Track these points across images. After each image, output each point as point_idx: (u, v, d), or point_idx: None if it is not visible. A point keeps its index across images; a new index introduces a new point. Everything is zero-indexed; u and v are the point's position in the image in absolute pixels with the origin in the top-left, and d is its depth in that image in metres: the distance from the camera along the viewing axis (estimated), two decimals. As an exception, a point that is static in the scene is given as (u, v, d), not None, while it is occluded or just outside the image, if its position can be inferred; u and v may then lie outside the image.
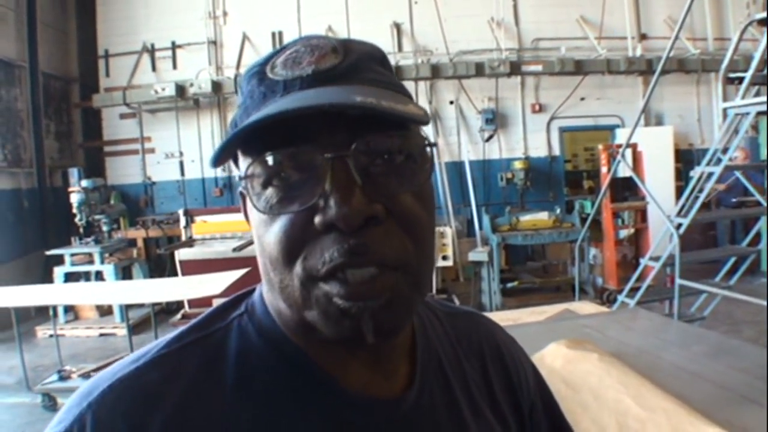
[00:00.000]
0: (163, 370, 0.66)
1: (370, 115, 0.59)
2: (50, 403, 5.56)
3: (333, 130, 0.61)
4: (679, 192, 9.20)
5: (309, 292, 0.62)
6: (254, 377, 0.68)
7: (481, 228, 9.05)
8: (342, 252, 0.60)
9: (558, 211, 8.33)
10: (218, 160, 0.65)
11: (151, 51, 10.50)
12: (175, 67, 10.50)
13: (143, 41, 10.50)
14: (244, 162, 0.65)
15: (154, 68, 10.54)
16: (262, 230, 0.65)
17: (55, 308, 6.78)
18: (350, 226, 0.59)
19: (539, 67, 9.98)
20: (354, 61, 0.67)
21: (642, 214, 8.08)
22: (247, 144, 0.64)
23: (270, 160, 0.62)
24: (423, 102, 10.35)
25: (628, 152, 7.08)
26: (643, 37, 10.48)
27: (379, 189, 0.62)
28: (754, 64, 4.58)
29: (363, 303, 0.61)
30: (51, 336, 7.41)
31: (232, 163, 0.70)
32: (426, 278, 0.67)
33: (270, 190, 0.63)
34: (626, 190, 7.94)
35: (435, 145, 0.70)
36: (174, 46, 10.51)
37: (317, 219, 0.60)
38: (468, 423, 0.78)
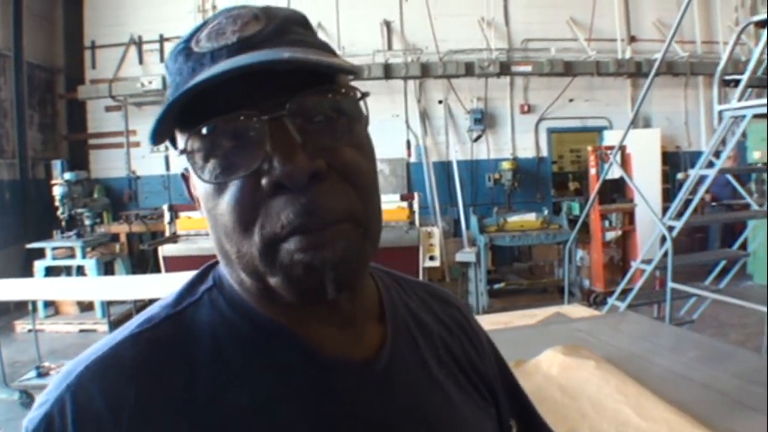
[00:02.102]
0: (138, 347, 0.67)
1: (301, 69, 0.61)
2: (28, 400, 5.44)
3: (266, 93, 0.62)
4: (666, 194, 9.25)
5: (271, 257, 0.63)
6: (228, 348, 0.69)
7: (468, 228, 9.04)
8: (296, 212, 0.61)
9: (546, 212, 8.33)
10: (156, 136, 0.65)
11: (139, 43, 10.39)
12: (162, 60, 10.38)
13: (131, 33, 10.39)
14: (181, 138, 0.66)
15: (141, 61, 10.43)
16: (211, 203, 0.66)
17: (34, 303, 6.67)
18: (296, 183, 0.60)
19: (528, 68, 9.98)
20: (277, 26, 0.68)
21: (630, 217, 8.09)
22: (183, 119, 0.63)
23: (206, 130, 0.62)
24: (412, 101, 10.32)
25: (619, 154, 7.09)
26: (632, 39, 10.50)
27: (319, 145, 0.63)
28: (750, 66, 4.56)
29: (322, 254, 0.62)
30: (30, 331, 7.30)
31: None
32: (375, 228, 0.69)
33: (212, 161, 0.63)
34: (614, 192, 7.95)
35: (367, 95, 0.70)
36: (162, 39, 10.38)
37: (264, 181, 0.61)
38: (439, 380, 0.80)
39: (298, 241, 0.62)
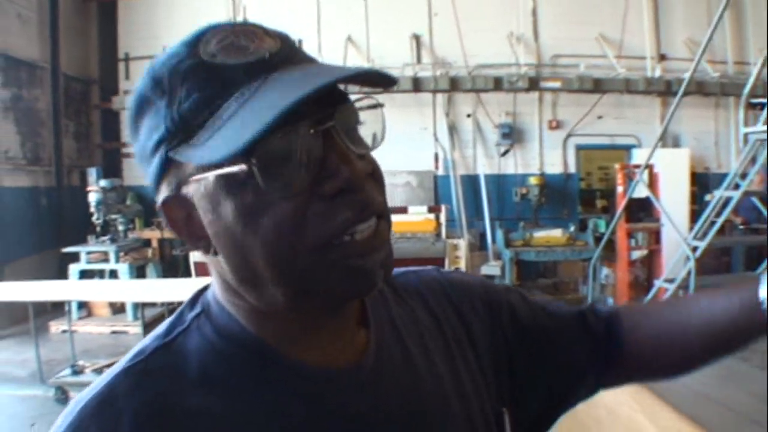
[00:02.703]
0: (130, 380, 0.69)
1: (341, 86, 0.67)
2: (62, 396, 5.62)
3: (315, 106, 0.64)
4: (694, 216, 9.18)
5: (323, 259, 0.65)
6: (216, 372, 0.71)
7: (494, 242, 9.06)
8: (356, 209, 0.65)
9: (572, 228, 8.34)
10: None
11: (172, 55, 10.57)
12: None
13: (163, 45, 10.52)
14: (231, 156, 0.61)
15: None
16: (250, 223, 0.65)
17: (69, 304, 6.85)
18: (357, 185, 0.65)
19: (557, 84, 9.99)
20: (290, 44, 0.70)
21: (656, 236, 8.06)
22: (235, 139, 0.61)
23: (269, 147, 0.62)
24: (440, 114, 10.39)
25: (646, 173, 7.10)
26: (662, 57, 10.46)
27: (360, 150, 0.68)
28: (775, 90, 4.59)
29: (374, 256, 0.67)
30: (64, 331, 7.48)
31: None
32: (391, 218, 0.74)
33: (272, 175, 0.63)
34: (641, 210, 7.94)
35: (382, 105, 0.73)
36: (195, 51, 10.58)
37: (327, 187, 0.64)
38: (429, 372, 0.82)
39: (351, 246, 0.66)
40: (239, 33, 0.68)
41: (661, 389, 2.31)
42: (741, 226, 8.45)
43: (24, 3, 9.37)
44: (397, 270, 0.93)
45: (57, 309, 8.14)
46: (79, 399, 0.70)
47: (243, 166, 0.63)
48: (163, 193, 0.70)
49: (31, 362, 6.47)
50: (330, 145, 0.65)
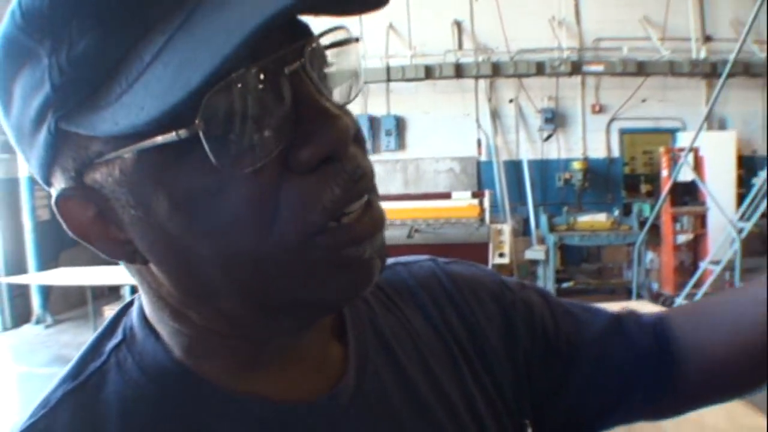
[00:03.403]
0: None
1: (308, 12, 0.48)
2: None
3: (276, 41, 0.45)
4: (741, 200, 9.06)
5: (306, 258, 0.47)
6: (142, 424, 0.52)
7: (537, 227, 9.06)
8: (345, 183, 0.47)
9: (616, 213, 8.30)
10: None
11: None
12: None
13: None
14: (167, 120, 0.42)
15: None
16: (199, 212, 0.46)
17: (124, 288, 7.12)
18: (343, 151, 0.46)
19: (600, 68, 9.87)
20: None
21: (702, 220, 7.98)
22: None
23: (224, 93, 0.42)
24: (482, 100, 10.39)
25: (690, 156, 7.04)
26: (707, 39, 10.29)
27: (340, 102, 0.50)
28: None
29: (371, 242, 0.49)
30: (117, 315, 7.77)
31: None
32: None
33: (224, 141, 0.43)
34: (686, 194, 7.87)
35: (359, 39, 0.52)
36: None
37: (304, 156, 0.45)
38: (422, 394, 0.63)
39: (341, 233, 0.48)
40: None
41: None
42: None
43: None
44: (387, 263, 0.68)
45: (111, 294, 8.40)
46: None
47: (183, 131, 0.42)
48: (58, 184, 0.49)
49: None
50: (302, 97, 0.46)
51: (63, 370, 0.57)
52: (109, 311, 7.46)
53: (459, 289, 0.72)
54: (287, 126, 0.45)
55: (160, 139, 0.42)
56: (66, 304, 8.52)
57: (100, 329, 0.59)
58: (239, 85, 0.42)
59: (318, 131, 0.45)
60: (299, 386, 0.57)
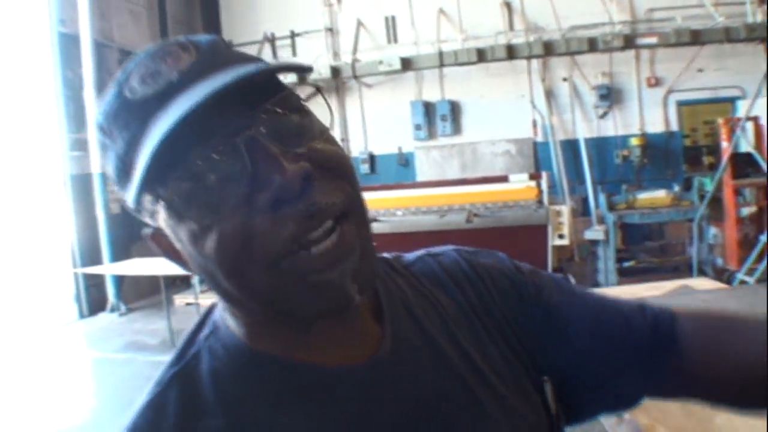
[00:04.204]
0: (149, 417, 0.69)
1: (250, 86, 0.59)
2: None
3: (228, 117, 0.60)
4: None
5: (279, 279, 0.62)
6: (231, 391, 0.69)
7: (597, 206, 9.02)
8: (297, 220, 0.60)
9: (676, 188, 8.21)
10: (138, 199, 0.63)
11: (272, 40, 10.98)
12: (294, 54, 10.93)
13: (263, 31, 10.98)
14: (152, 193, 0.63)
15: (274, 56, 11.00)
16: (199, 245, 0.62)
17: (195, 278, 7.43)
18: (292, 192, 0.59)
19: (654, 40, 9.64)
20: (207, 51, 0.64)
21: (765, 191, 7.82)
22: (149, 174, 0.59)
23: (184, 172, 0.60)
24: (536, 80, 10.36)
25: (749, 125, 6.92)
26: (762, 0, 9.99)
27: (295, 148, 0.62)
28: None
29: (337, 267, 0.61)
30: (188, 304, 8.10)
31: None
32: (367, 211, 0.69)
33: (197, 202, 0.60)
34: (749, 166, 7.72)
35: (321, 89, 0.73)
36: (293, 35, 10.97)
37: (261, 200, 0.59)
38: (449, 358, 0.77)
39: (309, 260, 0.61)
40: (156, 57, 0.64)
41: None
42: None
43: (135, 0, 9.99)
44: (411, 255, 0.90)
45: (182, 283, 8.73)
46: None
47: (158, 205, 0.64)
48: (145, 219, 0.69)
49: (160, 332, 7.12)
50: (257, 153, 0.59)
51: (169, 357, 0.75)
52: (180, 300, 7.85)
53: (477, 273, 0.86)
54: (246, 179, 0.60)
55: (153, 205, 0.64)
56: (138, 293, 8.89)
57: (193, 324, 0.78)
58: (198, 162, 0.59)
59: (267, 180, 0.59)
60: (346, 355, 0.71)
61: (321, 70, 10.14)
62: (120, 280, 8.73)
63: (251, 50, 10.95)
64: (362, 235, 0.65)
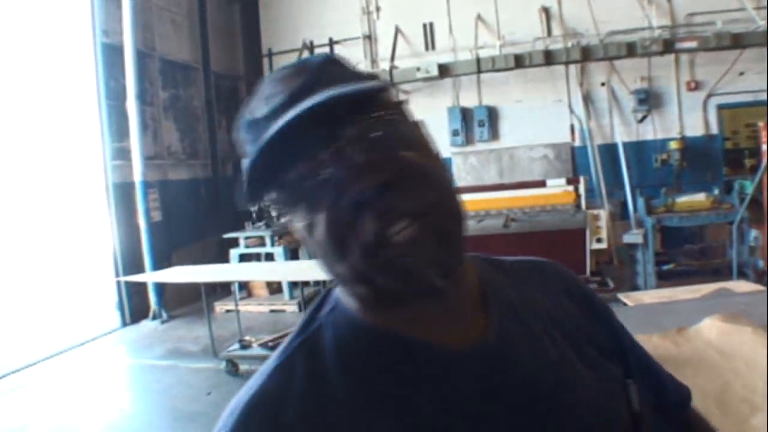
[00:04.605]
0: (279, 379, 0.79)
1: (344, 102, 0.71)
2: (233, 369, 6.19)
3: (323, 132, 0.72)
4: None
5: (372, 262, 0.71)
6: (352, 362, 0.79)
7: (636, 210, 8.97)
8: (375, 218, 0.70)
9: (716, 191, 8.13)
10: (250, 196, 0.76)
11: (311, 47, 11.12)
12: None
13: (303, 39, 11.15)
14: (269, 196, 0.78)
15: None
16: (310, 237, 0.76)
17: (235, 285, 7.50)
18: (368, 196, 0.70)
19: (693, 44, 9.50)
20: (314, 73, 0.77)
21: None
22: (266, 177, 0.75)
23: (289, 179, 0.74)
24: (573, 85, 10.35)
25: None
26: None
27: (380, 158, 0.72)
28: None
29: (415, 254, 0.71)
30: (228, 311, 8.26)
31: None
32: (456, 206, 0.78)
33: (301, 204, 0.74)
34: (790, 168, 7.61)
35: (406, 102, 0.82)
36: (331, 42, 11.11)
37: (346, 202, 0.71)
38: (555, 356, 0.85)
39: (391, 249, 0.70)
40: (276, 81, 0.78)
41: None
42: None
43: (176, 9, 10.24)
44: (515, 258, 1.01)
45: (218, 292, 8.86)
46: (237, 399, 0.80)
47: (276, 201, 0.78)
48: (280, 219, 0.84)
49: (202, 339, 7.22)
50: (344, 162, 0.71)
51: (294, 328, 0.86)
52: (220, 307, 7.96)
53: (571, 284, 0.99)
54: (334, 184, 0.72)
55: (265, 205, 0.81)
56: (179, 300, 8.97)
57: (313, 304, 0.88)
58: (298, 168, 0.73)
59: (350, 185, 0.71)
60: (455, 339, 0.79)
61: (359, 78, 10.14)
62: (161, 288, 8.82)
63: (291, 58, 11.15)
64: (442, 231, 0.73)
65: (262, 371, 0.82)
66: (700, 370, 2.22)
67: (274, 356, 0.83)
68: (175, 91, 10.13)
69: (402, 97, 0.88)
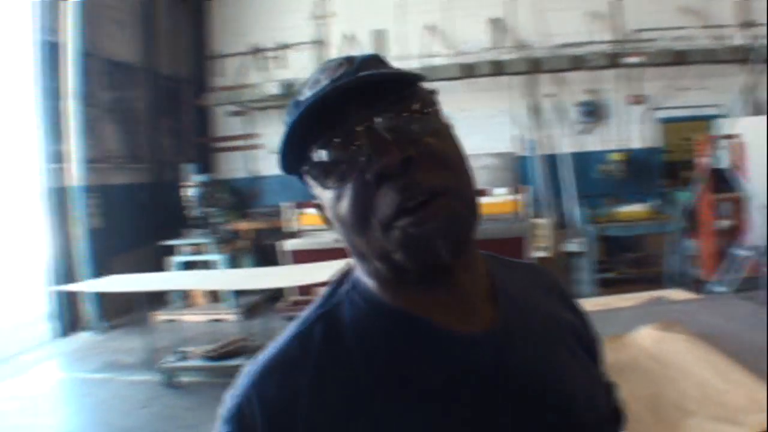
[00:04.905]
0: (299, 345, 0.84)
1: (378, 84, 0.79)
2: (170, 381, 5.97)
3: (357, 110, 0.78)
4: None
5: (389, 235, 0.77)
6: (368, 337, 0.84)
7: (578, 220, 9.07)
8: (398, 191, 0.76)
9: (655, 202, 8.28)
10: (285, 165, 0.85)
11: (258, 51, 11.01)
12: (283, 66, 10.97)
13: (250, 42, 11.04)
14: (304, 164, 0.84)
15: (263, 67, 11.04)
16: (336, 208, 0.82)
17: (173, 294, 7.28)
18: (392, 170, 0.75)
19: (639, 59, 9.74)
20: (356, 66, 0.83)
21: (740, 206, 7.88)
22: (301, 147, 0.82)
23: (322, 150, 0.80)
24: (520, 95, 10.47)
25: (727, 143, 7.00)
26: (747, 25, 10.04)
27: (406, 138, 0.78)
28: None
29: (430, 225, 0.76)
30: (167, 321, 8.00)
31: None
32: (472, 199, 0.84)
33: (331, 173, 0.80)
34: (726, 181, 7.79)
35: (436, 92, 0.89)
36: (280, 47, 11.00)
37: (368, 176, 0.77)
38: (554, 348, 0.92)
39: (407, 219, 0.76)
40: (323, 69, 0.85)
41: (731, 348, 2.42)
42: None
43: (121, 7, 9.92)
44: (517, 260, 1.08)
45: (156, 300, 8.47)
46: (255, 363, 0.85)
47: (308, 172, 0.84)
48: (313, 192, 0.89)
49: (138, 350, 6.89)
50: (373, 138, 0.77)
51: (314, 302, 0.92)
52: (158, 316, 7.64)
53: (564, 294, 1.07)
54: (363, 157, 0.78)
55: (299, 176, 0.87)
56: (113, 311, 8.47)
57: (332, 283, 0.94)
58: (333, 142, 0.79)
59: (378, 159, 0.76)
60: (465, 323, 0.85)
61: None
62: (99, 298, 8.32)
63: (240, 61, 11.03)
64: (453, 213, 0.78)
65: (281, 339, 0.87)
66: (634, 376, 2.23)
67: (293, 325, 0.89)
68: (118, 93, 9.78)
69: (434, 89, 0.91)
